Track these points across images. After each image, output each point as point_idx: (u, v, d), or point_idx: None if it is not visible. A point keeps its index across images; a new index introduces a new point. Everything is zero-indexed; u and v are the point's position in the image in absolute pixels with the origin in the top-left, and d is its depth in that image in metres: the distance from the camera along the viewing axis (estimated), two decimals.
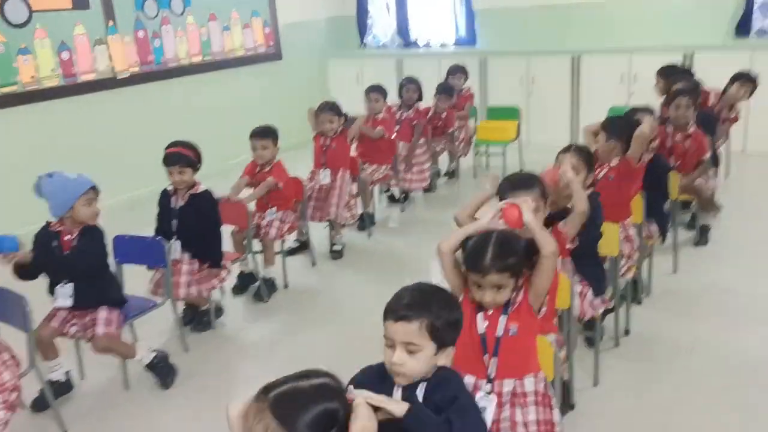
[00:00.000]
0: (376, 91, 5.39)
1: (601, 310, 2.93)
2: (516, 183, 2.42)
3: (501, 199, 2.27)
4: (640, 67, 6.41)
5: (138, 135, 5.86)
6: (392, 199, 5.68)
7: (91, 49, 5.59)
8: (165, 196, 3.53)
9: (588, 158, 2.92)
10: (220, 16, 6.78)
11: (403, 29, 8.23)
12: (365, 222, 5.05)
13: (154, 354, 3.17)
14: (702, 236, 4.37)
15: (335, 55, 8.34)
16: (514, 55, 7.19)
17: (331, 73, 8.39)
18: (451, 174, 6.33)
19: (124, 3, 5.83)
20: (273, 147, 4.08)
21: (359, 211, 5.02)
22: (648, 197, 3.47)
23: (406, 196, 5.64)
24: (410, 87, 5.60)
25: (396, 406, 1.48)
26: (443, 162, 6.41)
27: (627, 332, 3.33)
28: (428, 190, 5.89)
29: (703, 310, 3.58)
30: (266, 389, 1.30)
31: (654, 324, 3.45)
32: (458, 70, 6.30)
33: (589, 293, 2.88)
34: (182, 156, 3.42)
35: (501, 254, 1.97)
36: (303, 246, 4.69)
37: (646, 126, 3.33)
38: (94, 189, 2.95)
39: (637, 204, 3.39)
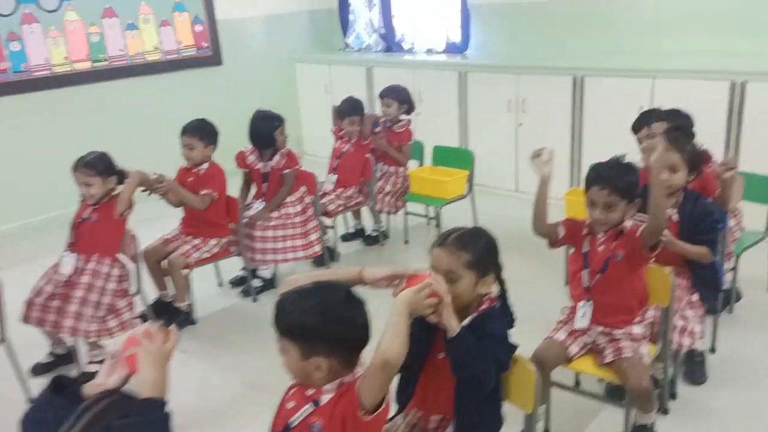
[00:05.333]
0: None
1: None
2: None
3: None
4: (667, 97, 4.31)
5: None
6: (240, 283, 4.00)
7: None
8: None
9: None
10: (121, 11, 5.39)
11: (387, 29, 6.46)
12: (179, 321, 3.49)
13: None
14: None
15: (304, 59, 6.73)
16: (497, 71, 5.23)
17: (300, 80, 6.81)
18: (372, 239, 4.58)
19: None
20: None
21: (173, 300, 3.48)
22: None
23: (270, 281, 3.99)
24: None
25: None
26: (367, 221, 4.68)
27: None
28: (321, 263, 4.21)
29: None
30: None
31: None
32: (389, 94, 4.51)
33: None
34: None
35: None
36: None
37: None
38: None
39: None
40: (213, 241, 3.57)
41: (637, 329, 2.29)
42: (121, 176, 3.13)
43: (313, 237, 3.86)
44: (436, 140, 5.40)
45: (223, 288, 4.01)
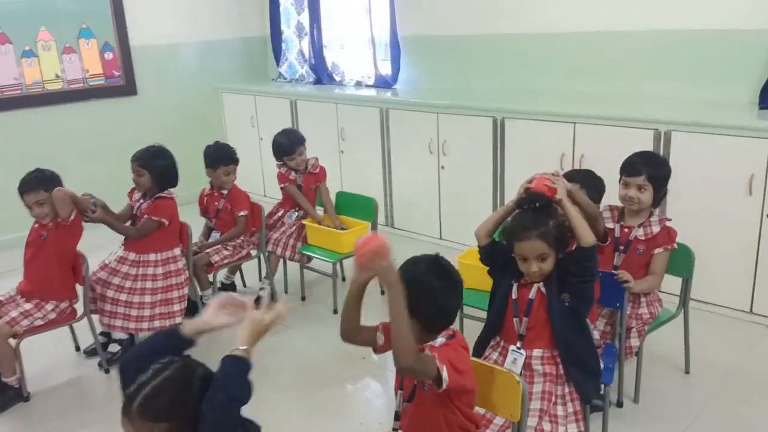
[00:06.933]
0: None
1: None
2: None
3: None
4: (588, 143, 3.92)
5: None
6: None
7: None
8: None
9: None
10: (16, 36, 4.97)
11: (317, 59, 6.06)
12: None
13: None
14: None
15: (231, 89, 6.32)
16: (417, 110, 4.82)
17: (227, 112, 6.40)
18: (259, 300, 4.07)
19: None
20: None
21: None
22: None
23: (131, 341, 3.49)
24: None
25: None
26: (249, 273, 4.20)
27: None
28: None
29: None
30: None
31: None
32: (302, 141, 4.08)
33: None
34: None
35: None
36: None
37: None
38: None
39: None
40: (49, 306, 3.10)
41: None
42: None
43: (177, 307, 3.40)
44: (357, 181, 5.05)
45: (79, 354, 3.54)
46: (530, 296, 2.21)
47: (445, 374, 1.64)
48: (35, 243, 3.11)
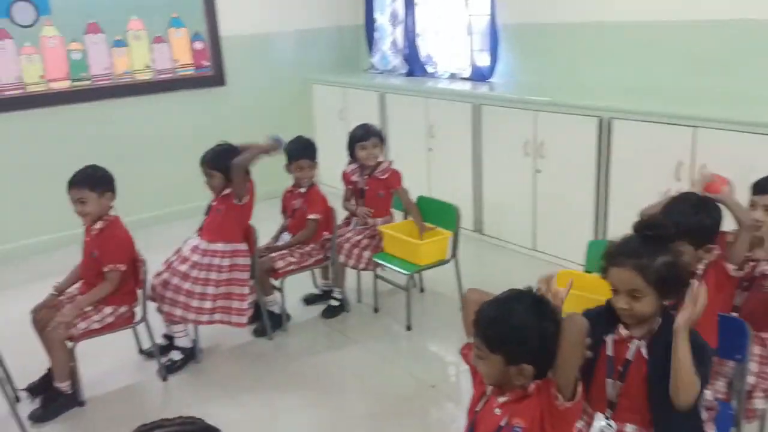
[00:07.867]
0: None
1: None
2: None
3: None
4: (712, 151, 3.34)
5: None
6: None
7: None
8: None
9: None
10: (108, 26, 4.96)
11: (410, 49, 5.71)
12: None
13: None
14: None
15: (321, 80, 6.10)
16: (513, 106, 4.37)
17: (316, 104, 6.19)
18: (332, 310, 3.75)
19: None
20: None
21: None
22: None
23: (190, 351, 3.32)
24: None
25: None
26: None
27: None
28: (262, 333, 3.53)
29: None
30: None
31: None
32: (374, 133, 3.78)
33: None
34: None
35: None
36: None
37: None
38: None
39: None
40: (108, 309, 2.97)
41: None
42: None
43: (235, 304, 3.21)
44: (445, 181, 4.74)
45: (141, 356, 3.40)
46: (628, 356, 1.77)
47: (580, 388, 1.60)
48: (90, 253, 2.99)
